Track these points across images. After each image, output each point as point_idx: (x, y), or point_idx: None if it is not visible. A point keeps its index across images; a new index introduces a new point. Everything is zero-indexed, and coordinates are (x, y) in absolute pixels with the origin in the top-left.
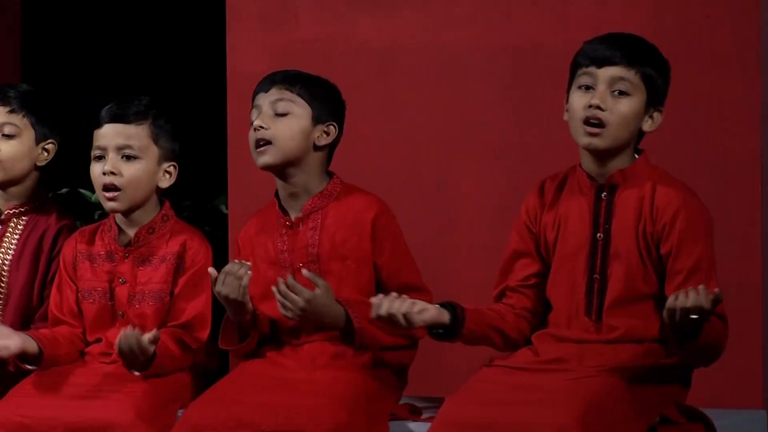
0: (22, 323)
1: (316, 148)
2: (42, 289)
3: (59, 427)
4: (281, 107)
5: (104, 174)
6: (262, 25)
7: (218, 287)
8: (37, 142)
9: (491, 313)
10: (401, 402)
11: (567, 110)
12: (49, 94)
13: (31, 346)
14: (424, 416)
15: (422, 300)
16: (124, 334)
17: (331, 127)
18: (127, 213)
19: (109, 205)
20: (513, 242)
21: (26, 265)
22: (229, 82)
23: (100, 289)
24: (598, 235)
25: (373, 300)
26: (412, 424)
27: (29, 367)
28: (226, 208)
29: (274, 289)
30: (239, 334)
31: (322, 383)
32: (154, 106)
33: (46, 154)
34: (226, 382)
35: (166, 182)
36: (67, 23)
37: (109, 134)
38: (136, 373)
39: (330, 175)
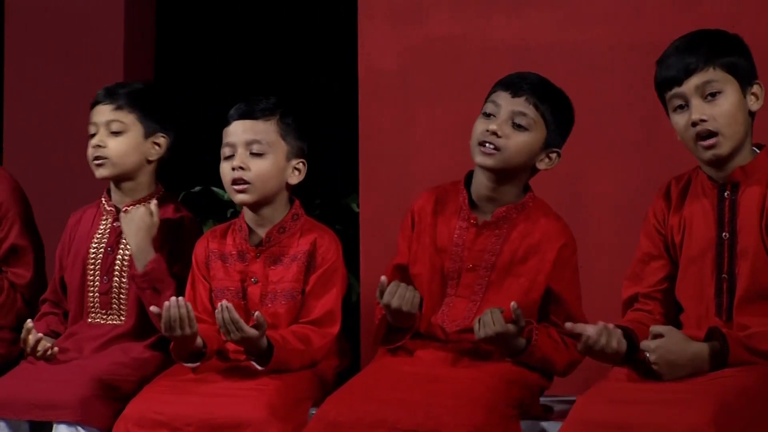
0: (144, 317)
1: (534, 170)
2: None
3: (193, 424)
4: (523, 121)
5: (233, 169)
6: (393, 23)
7: (388, 299)
8: (146, 136)
9: (638, 326)
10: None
11: (678, 134)
12: (158, 90)
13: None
14: (555, 415)
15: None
16: (221, 305)
17: (555, 154)
18: (257, 209)
19: (238, 198)
20: (643, 245)
21: None
22: (361, 80)
23: (232, 288)
24: (724, 234)
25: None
26: (544, 423)
27: (190, 365)
28: (357, 207)
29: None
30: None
31: (462, 383)
32: (281, 105)
33: (157, 148)
34: (362, 378)
35: (294, 179)
36: (200, 24)
37: (237, 131)
38: (259, 367)
39: (528, 187)
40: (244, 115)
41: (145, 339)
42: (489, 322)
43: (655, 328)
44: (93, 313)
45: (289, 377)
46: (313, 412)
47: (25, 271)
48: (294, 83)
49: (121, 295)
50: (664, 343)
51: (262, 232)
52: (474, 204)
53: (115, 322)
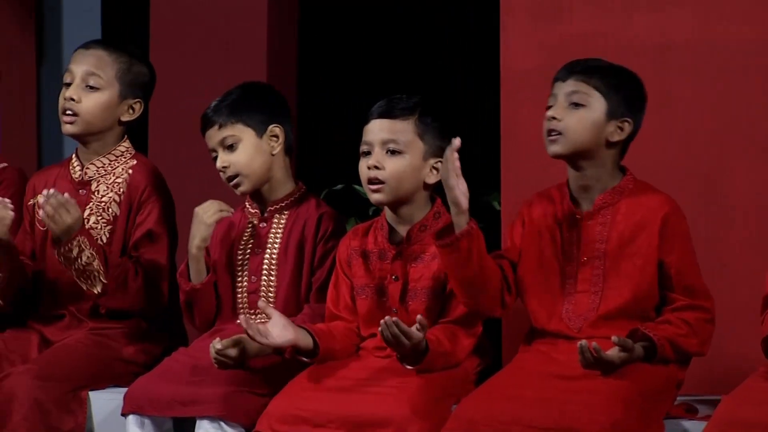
0: (291, 314)
1: (609, 144)
2: (310, 275)
3: (335, 420)
4: (576, 98)
5: (369, 168)
6: (534, 21)
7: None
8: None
9: None
10: (677, 402)
11: None
12: (261, 91)
13: (306, 340)
14: (700, 415)
15: (701, 305)
16: (384, 322)
17: (626, 123)
18: (395, 208)
19: (373, 197)
20: None
21: (292, 256)
22: (503, 78)
23: (372, 285)
24: None
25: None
26: (687, 423)
27: (305, 359)
28: (499, 205)
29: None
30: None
31: (598, 381)
32: (422, 104)
33: (275, 141)
34: (501, 377)
35: (432, 178)
36: (343, 21)
37: (375, 129)
38: (409, 367)
39: (623, 170)
40: (382, 114)
41: None
42: (590, 362)
43: None
44: (242, 312)
45: (431, 375)
46: (455, 408)
47: (160, 257)
48: (435, 81)
49: (269, 294)
50: None
51: (402, 231)
52: (575, 200)
53: (263, 320)
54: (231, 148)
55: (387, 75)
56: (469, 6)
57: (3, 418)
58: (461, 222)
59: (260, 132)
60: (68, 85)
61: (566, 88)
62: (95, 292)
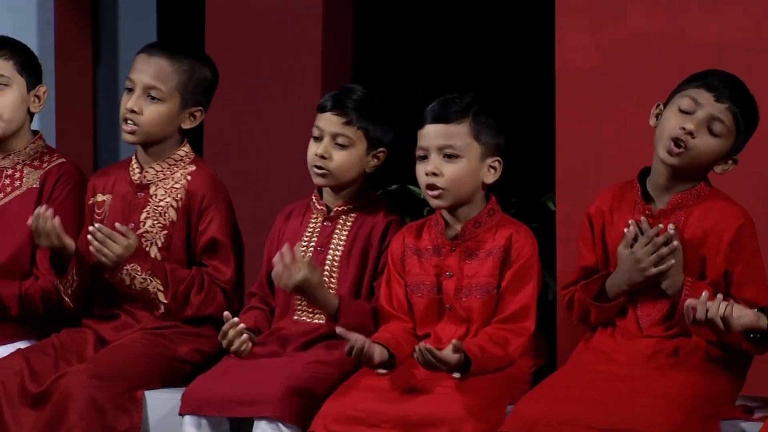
0: None
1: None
2: (371, 282)
3: (389, 421)
4: (717, 129)
5: (427, 174)
6: (591, 19)
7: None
8: (368, 152)
9: None
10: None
11: None
12: (383, 100)
13: (382, 353)
14: (756, 416)
15: None
16: (419, 349)
17: (732, 160)
18: (452, 209)
19: (434, 203)
20: None
21: (356, 259)
22: (558, 77)
23: (427, 282)
24: None
25: (688, 302)
26: (744, 424)
27: (381, 371)
28: (554, 205)
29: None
30: None
31: (659, 381)
32: (475, 103)
33: (375, 161)
34: (558, 377)
35: (491, 177)
36: (397, 20)
37: (430, 134)
38: (457, 376)
39: (705, 178)
40: (436, 119)
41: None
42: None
43: None
44: (299, 310)
45: (486, 376)
46: (511, 409)
47: (225, 266)
48: (490, 79)
49: None
50: None
51: (457, 227)
52: (648, 197)
53: (320, 321)
54: (341, 146)
55: (441, 73)
56: (524, 4)
57: (60, 417)
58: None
59: (370, 149)
60: (130, 90)
61: (714, 110)
62: (159, 312)
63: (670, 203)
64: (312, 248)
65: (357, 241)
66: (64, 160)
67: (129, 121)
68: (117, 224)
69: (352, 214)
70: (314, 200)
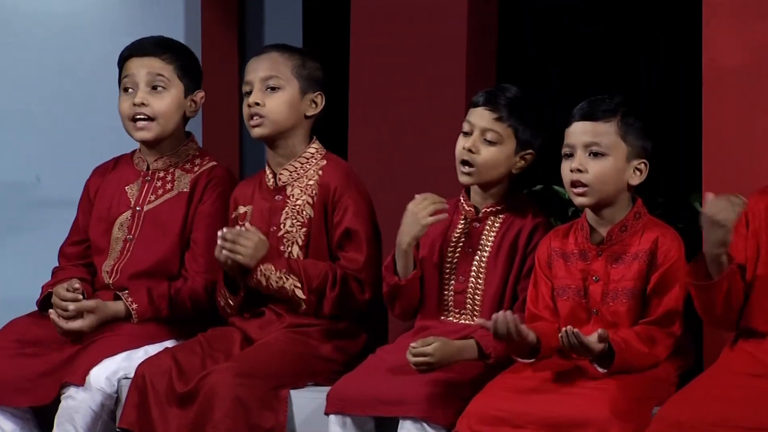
0: None
1: None
2: (516, 284)
3: (534, 422)
4: None
5: (571, 171)
6: (739, 18)
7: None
8: (516, 152)
9: None
10: None
11: None
12: (535, 104)
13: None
14: None
15: None
16: (565, 331)
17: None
18: (597, 210)
19: (577, 200)
20: None
21: (502, 261)
22: (705, 76)
23: (573, 287)
24: None
25: None
26: None
27: (525, 360)
28: (700, 205)
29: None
30: None
31: None
32: (624, 104)
33: (522, 163)
34: (705, 378)
35: (636, 179)
36: (541, 21)
37: (577, 132)
38: (601, 370)
39: None
40: (584, 116)
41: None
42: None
43: None
44: (446, 311)
45: (631, 377)
46: (656, 411)
47: (357, 254)
48: (635, 79)
49: (476, 296)
50: None
51: (603, 231)
52: None
53: (467, 321)
54: (489, 142)
55: (586, 74)
56: (670, 3)
57: (205, 415)
58: (724, 260)
59: (518, 150)
60: (248, 93)
61: None
62: (302, 309)
63: None
64: (460, 249)
65: (504, 242)
66: (215, 163)
67: (254, 116)
68: (247, 224)
69: (501, 215)
70: (462, 201)
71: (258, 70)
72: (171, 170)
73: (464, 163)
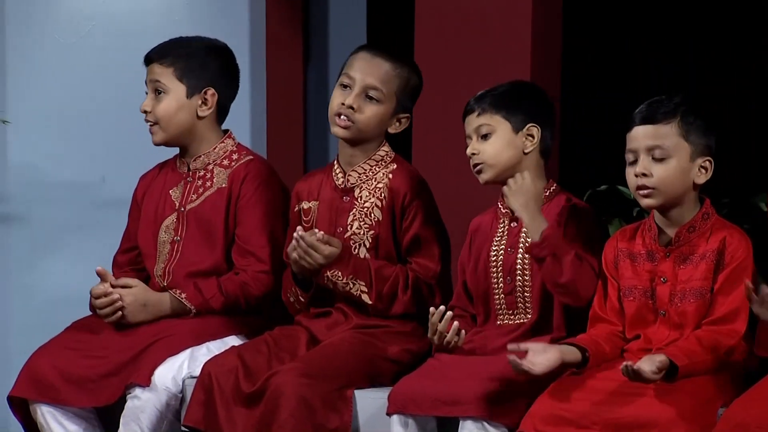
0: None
1: None
2: None
3: (599, 423)
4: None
5: (636, 176)
6: None
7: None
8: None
9: None
10: None
11: None
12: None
13: (573, 354)
14: None
15: None
16: (625, 366)
17: None
18: (664, 211)
19: (644, 202)
20: None
21: None
22: None
23: (640, 287)
24: None
25: None
26: None
27: (576, 369)
28: (766, 206)
29: None
30: None
31: None
32: (683, 104)
33: (533, 143)
34: None
35: (701, 178)
36: (607, 22)
37: (638, 136)
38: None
39: None
40: (644, 120)
41: (549, 333)
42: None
43: None
44: (500, 315)
45: (696, 377)
46: (722, 412)
47: (430, 261)
48: (699, 79)
49: (526, 293)
50: None
51: (671, 232)
52: None
53: (521, 320)
54: (485, 137)
55: (651, 74)
56: (727, 6)
57: (271, 415)
58: None
59: (517, 128)
60: (345, 87)
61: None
62: (368, 312)
63: None
64: (503, 250)
65: None
66: (251, 157)
67: (344, 117)
68: (320, 233)
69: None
70: (499, 205)
71: (366, 73)
72: (210, 168)
73: (475, 166)
